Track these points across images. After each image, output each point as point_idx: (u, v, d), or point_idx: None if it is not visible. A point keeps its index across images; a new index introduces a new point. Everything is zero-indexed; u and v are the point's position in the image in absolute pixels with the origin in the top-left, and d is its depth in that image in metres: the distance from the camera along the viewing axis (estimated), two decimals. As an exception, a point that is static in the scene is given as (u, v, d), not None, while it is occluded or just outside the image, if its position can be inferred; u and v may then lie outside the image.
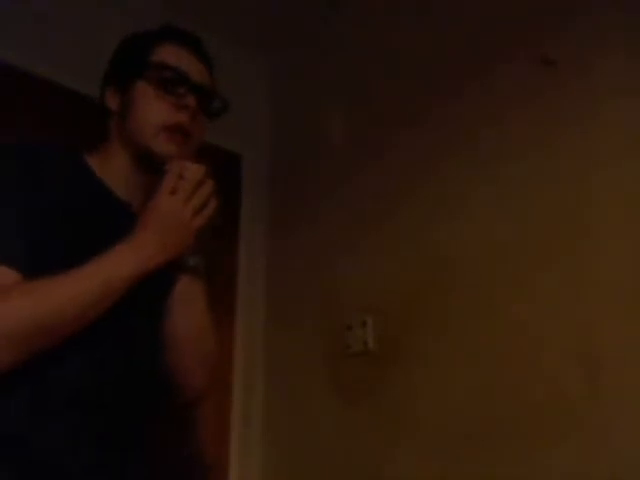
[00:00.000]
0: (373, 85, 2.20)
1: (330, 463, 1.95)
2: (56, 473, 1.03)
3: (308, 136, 2.40)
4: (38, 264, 1.05)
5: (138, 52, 1.24)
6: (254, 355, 2.29)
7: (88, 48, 2.04)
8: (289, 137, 2.52)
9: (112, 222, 1.17)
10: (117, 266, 1.08)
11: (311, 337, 2.14)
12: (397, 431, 1.82)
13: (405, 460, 1.77)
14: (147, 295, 1.14)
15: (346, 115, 2.25)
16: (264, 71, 2.62)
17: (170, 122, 1.19)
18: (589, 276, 1.54)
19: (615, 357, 1.45)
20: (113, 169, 1.22)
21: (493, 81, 1.83)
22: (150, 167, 1.21)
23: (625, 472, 1.38)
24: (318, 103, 2.38)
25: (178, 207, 1.14)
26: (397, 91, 2.11)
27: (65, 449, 1.04)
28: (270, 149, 2.56)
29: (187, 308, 1.23)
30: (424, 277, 1.87)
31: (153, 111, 1.20)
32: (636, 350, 1.42)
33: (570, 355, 1.52)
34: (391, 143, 2.07)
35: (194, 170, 1.16)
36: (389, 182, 2.05)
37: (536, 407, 1.55)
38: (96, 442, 1.07)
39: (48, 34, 2.08)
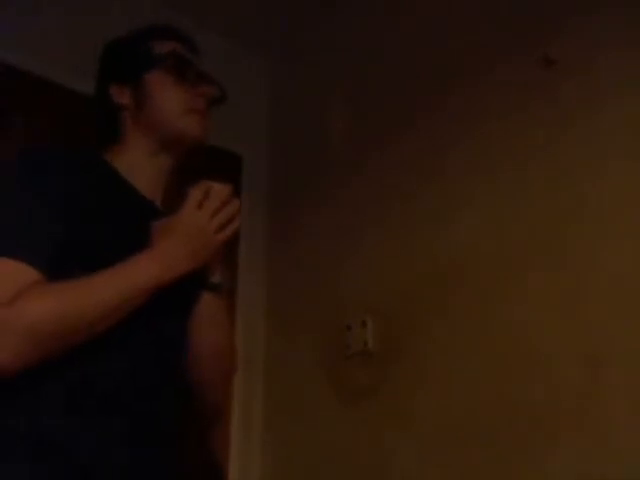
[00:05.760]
0: (373, 85, 2.20)
1: (330, 463, 1.95)
2: (88, 474, 1.03)
3: (308, 136, 2.40)
4: (66, 263, 1.06)
5: (140, 47, 1.29)
6: (254, 355, 2.29)
7: (88, 48, 2.03)
8: (289, 137, 2.51)
9: (140, 219, 1.18)
10: (137, 275, 1.08)
11: (311, 337, 2.14)
12: (397, 431, 1.82)
13: (405, 459, 1.77)
14: (179, 300, 1.17)
15: (346, 115, 2.25)
16: (264, 71, 2.61)
17: (196, 107, 1.25)
18: (589, 276, 1.54)
19: (615, 357, 1.45)
20: (131, 165, 1.24)
21: (493, 81, 1.83)
22: (171, 154, 1.26)
23: (625, 472, 1.37)
24: (318, 103, 2.38)
25: (203, 221, 1.15)
26: (397, 91, 2.11)
27: (97, 449, 1.05)
28: (270, 149, 2.56)
29: (211, 326, 1.25)
30: (424, 277, 1.87)
31: (175, 96, 1.26)
32: (636, 350, 1.42)
33: (570, 355, 1.52)
34: (391, 143, 2.07)
35: (220, 189, 1.17)
36: (389, 182, 2.05)
37: (536, 407, 1.55)
38: (128, 442, 1.08)
39: (48, 34, 2.08)
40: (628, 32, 1.59)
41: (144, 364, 1.14)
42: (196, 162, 1.33)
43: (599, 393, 1.45)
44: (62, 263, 1.06)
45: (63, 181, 1.11)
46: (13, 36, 1.99)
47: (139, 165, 1.25)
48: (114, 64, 1.31)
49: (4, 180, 1.12)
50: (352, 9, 2.29)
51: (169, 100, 1.26)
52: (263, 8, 2.38)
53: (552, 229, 1.62)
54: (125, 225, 1.17)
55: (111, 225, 1.14)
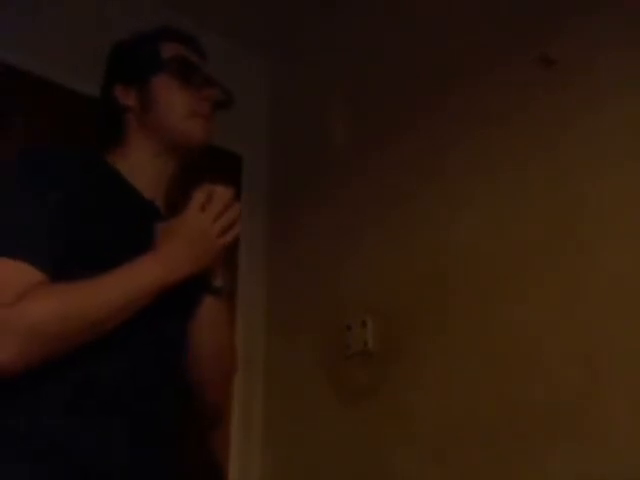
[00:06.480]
0: (373, 85, 2.20)
1: (330, 463, 1.95)
2: (88, 473, 1.03)
3: (308, 136, 2.40)
4: (67, 263, 1.06)
5: (147, 50, 1.29)
6: (254, 355, 2.29)
7: (88, 48, 2.03)
8: (289, 137, 2.51)
9: (140, 219, 1.19)
10: (141, 277, 1.09)
11: (311, 337, 2.14)
12: (397, 431, 1.82)
13: (405, 459, 1.77)
14: (180, 302, 1.17)
15: (346, 115, 2.25)
16: (264, 71, 2.61)
17: (200, 110, 1.26)
18: (589, 276, 1.54)
19: (615, 357, 1.45)
20: (132, 166, 1.25)
21: (493, 81, 1.83)
22: (174, 156, 1.27)
23: (625, 472, 1.37)
24: (318, 103, 2.38)
25: (206, 224, 1.16)
26: (397, 91, 2.11)
27: (97, 449, 1.05)
28: (270, 149, 2.56)
29: (212, 329, 1.26)
30: (424, 277, 1.87)
31: (180, 100, 1.26)
32: (636, 350, 1.42)
33: (570, 355, 1.52)
34: (391, 143, 2.07)
35: (223, 192, 1.18)
36: (389, 182, 2.05)
37: (536, 407, 1.55)
38: (128, 442, 1.08)
39: (48, 34, 2.08)
40: (628, 32, 1.59)
41: (144, 364, 1.14)
42: (196, 162, 1.33)
43: (599, 393, 1.45)
44: (63, 263, 1.06)
45: (63, 181, 1.11)
46: (13, 36, 1.99)
47: (140, 166, 1.25)
48: (120, 65, 1.32)
49: (4, 180, 1.12)
50: (352, 9, 2.29)
51: (174, 104, 1.26)
52: (263, 8, 2.38)
53: (552, 229, 1.62)
54: (125, 225, 1.17)
55: (111, 225, 1.14)
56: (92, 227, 1.11)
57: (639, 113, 1.53)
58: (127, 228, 1.17)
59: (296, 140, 2.47)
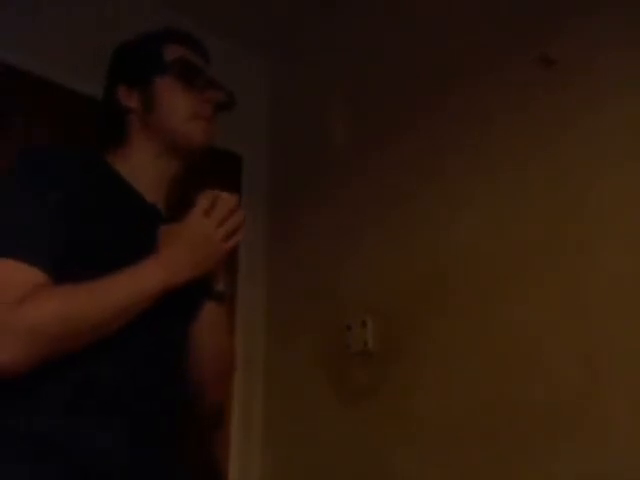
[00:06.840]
0: (373, 85, 2.20)
1: (330, 463, 1.95)
2: (88, 473, 1.03)
3: (308, 136, 2.40)
4: (67, 263, 1.06)
5: (150, 52, 1.29)
6: (254, 355, 2.29)
7: (88, 48, 2.03)
8: (289, 137, 2.52)
9: (140, 220, 1.19)
10: (144, 280, 1.09)
11: (311, 337, 2.14)
12: (397, 431, 1.82)
13: (405, 459, 1.77)
14: (182, 304, 1.18)
15: (346, 115, 2.25)
16: (264, 71, 2.62)
17: (202, 113, 1.26)
18: (589, 276, 1.54)
19: (615, 357, 1.45)
20: (134, 167, 1.25)
21: (493, 81, 1.83)
22: (176, 157, 1.27)
23: (625, 472, 1.38)
24: (318, 103, 2.38)
25: (210, 229, 1.17)
26: (397, 91, 2.11)
27: (97, 449, 1.05)
28: (270, 149, 2.56)
29: (212, 331, 1.27)
30: (424, 277, 1.87)
31: (182, 103, 1.26)
32: (636, 350, 1.42)
33: (570, 355, 1.52)
34: (391, 143, 2.07)
35: (227, 198, 1.19)
36: (389, 182, 2.05)
37: (536, 407, 1.55)
38: (128, 442, 1.08)
39: (48, 34, 2.08)
40: (628, 32, 1.59)
41: (144, 364, 1.14)
42: (198, 163, 1.33)
43: (599, 393, 1.45)
44: (63, 263, 1.06)
45: (63, 181, 1.11)
46: (13, 36, 1.99)
47: (141, 167, 1.26)
48: (123, 66, 1.32)
49: (4, 180, 1.12)
50: (352, 9, 2.29)
51: (176, 106, 1.26)
52: (263, 8, 2.38)
53: (552, 229, 1.62)
54: (125, 225, 1.17)
55: (111, 225, 1.14)
56: (92, 227, 1.11)
57: (639, 113, 1.53)
58: (127, 228, 1.17)
59: (296, 140, 2.47)
